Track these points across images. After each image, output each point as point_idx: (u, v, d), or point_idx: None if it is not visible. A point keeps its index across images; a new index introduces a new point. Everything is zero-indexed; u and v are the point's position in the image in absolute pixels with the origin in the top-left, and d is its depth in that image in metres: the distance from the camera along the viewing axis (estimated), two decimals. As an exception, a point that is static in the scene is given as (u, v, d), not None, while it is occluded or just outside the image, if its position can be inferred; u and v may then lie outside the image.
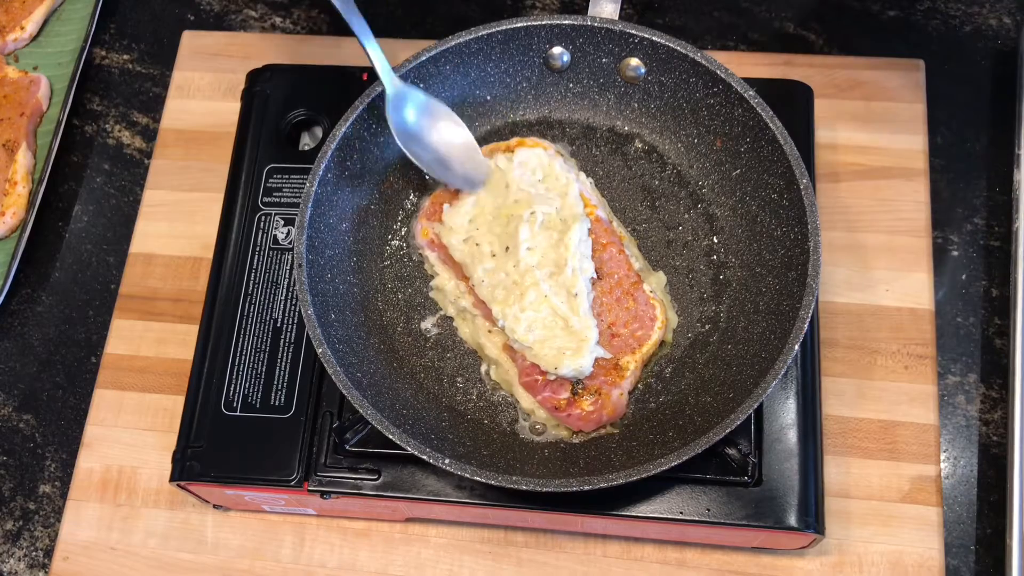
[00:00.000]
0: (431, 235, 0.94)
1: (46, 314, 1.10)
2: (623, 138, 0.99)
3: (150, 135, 1.18)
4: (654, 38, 0.93)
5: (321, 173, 0.89)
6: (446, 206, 0.94)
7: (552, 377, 0.87)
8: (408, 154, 0.92)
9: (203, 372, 0.93)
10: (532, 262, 0.89)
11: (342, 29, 1.22)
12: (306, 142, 1.05)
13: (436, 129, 0.93)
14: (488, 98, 0.99)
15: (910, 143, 1.07)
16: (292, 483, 0.88)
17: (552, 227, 0.90)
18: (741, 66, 0.97)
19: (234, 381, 0.92)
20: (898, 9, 1.17)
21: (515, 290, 0.88)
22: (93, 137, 1.18)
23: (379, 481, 0.88)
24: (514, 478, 0.79)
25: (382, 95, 0.91)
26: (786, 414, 0.88)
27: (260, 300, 0.96)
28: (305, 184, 0.89)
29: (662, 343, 0.91)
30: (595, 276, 0.90)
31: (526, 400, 0.89)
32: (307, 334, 0.86)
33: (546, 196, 0.92)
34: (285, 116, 1.03)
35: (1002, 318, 1.02)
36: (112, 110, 1.20)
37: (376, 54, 0.90)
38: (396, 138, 0.91)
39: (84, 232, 1.14)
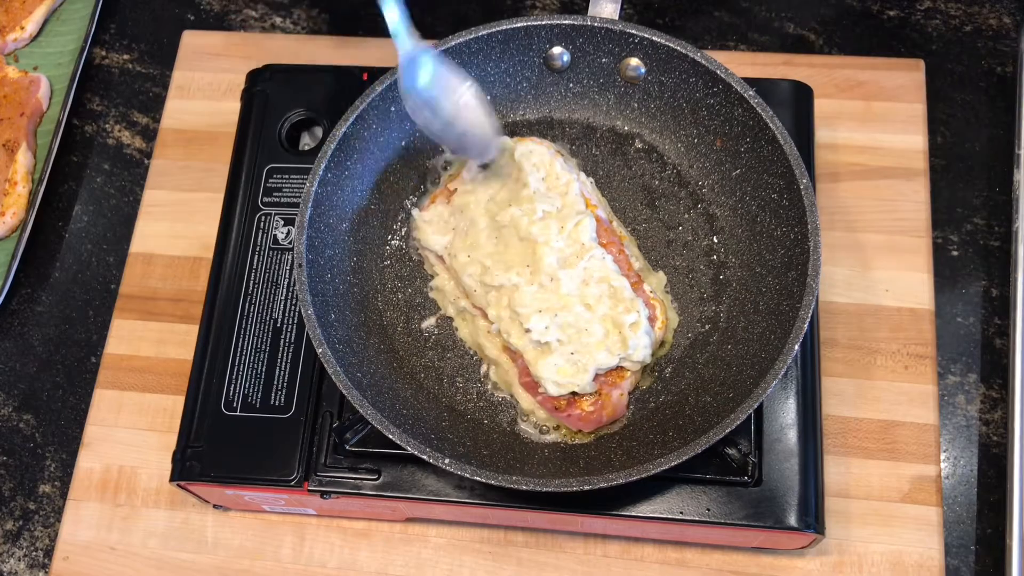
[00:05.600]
0: (431, 235, 0.94)
1: (46, 314, 1.10)
2: (623, 138, 0.99)
3: (150, 135, 1.18)
4: (654, 38, 0.93)
5: (321, 173, 0.89)
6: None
7: (552, 377, 0.87)
8: (417, 121, 0.88)
9: (203, 372, 0.93)
10: (532, 262, 0.89)
11: (342, 29, 1.22)
12: (306, 142, 1.05)
13: (449, 95, 0.87)
14: (488, 98, 0.99)
15: (910, 143, 1.07)
16: (292, 483, 0.88)
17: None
18: (741, 66, 0.97)
19: (234, 381, 0.92)
20: (898, 9, 1.17)
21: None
22: (93, 137, 1.18)
23: (379, 481, 0.88)
24: (514, 478, 0.79)
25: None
26: (786, 414, 0.88)
27: (260, 300, 0.96)
28: (305, 184, 0.89)
29: (662, 343, 0.91)
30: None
31: (526, 400, 0.89)
32: (307, 334, 0.86)
33: (547, 195, 0.92)
34: (285, 116, 1.03)
35: (1002, 318, 1.02)
36: (112, 110, 1.20)
37: (392, 10, 0.85)
38: (405, 103, 0.86)
39: (84, 232, 1.14)
